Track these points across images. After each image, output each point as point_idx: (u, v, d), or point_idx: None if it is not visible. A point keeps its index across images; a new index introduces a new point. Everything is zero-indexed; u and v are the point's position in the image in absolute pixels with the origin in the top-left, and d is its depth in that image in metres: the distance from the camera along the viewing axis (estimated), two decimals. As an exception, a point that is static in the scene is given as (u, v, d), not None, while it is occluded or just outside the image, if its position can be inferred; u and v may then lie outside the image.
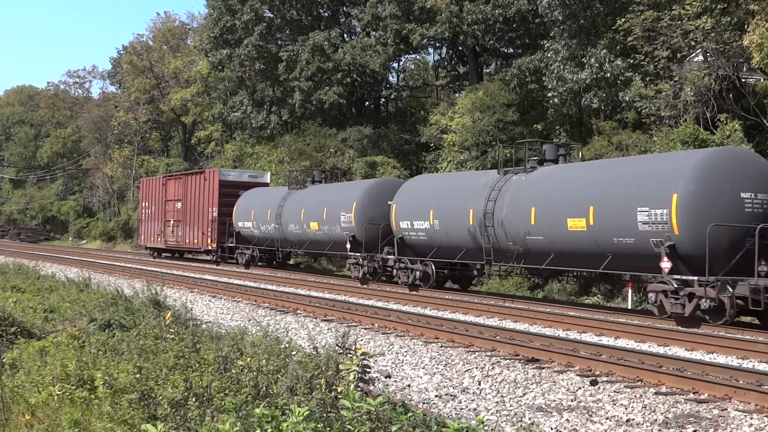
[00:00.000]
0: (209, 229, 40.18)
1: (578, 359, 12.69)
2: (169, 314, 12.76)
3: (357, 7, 49.41)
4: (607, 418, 9.67)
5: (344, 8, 50.97)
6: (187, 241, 42.56)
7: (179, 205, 43.50)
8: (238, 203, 38.96)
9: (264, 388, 8.58)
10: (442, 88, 49.99)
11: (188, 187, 42.87)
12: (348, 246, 29.22)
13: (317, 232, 31.74)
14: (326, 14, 51.52)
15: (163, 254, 48.29)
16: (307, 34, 46.49)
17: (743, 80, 27.31)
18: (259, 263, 38.02)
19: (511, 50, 40.86)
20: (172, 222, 44.29)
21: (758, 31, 22.80)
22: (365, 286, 27.80)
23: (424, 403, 10.41)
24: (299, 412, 6.50)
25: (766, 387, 10.54)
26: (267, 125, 49.87)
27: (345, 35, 50.37)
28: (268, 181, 41.93)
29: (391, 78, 50.54)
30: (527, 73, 35.28)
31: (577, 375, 11.86)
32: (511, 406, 10.35)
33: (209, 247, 40.43)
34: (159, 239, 46.32)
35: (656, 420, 9.57)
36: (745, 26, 24.46)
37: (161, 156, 75.42)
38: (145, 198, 49.20)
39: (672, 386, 11.04)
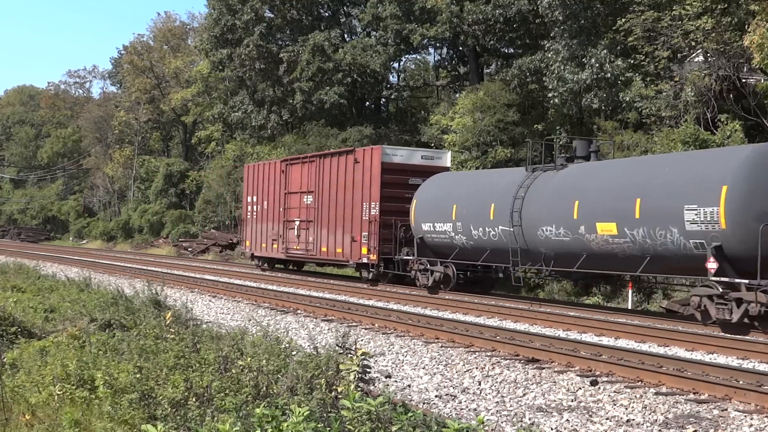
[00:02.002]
0: (364, 234, 27.86)
1: (578, 359, 12.69)
2: (169, 314, 12.77)
3: (357, 7, 49.45)
4: (607, 419, 9.68)
5: (344, 8, 51.00)
6: (324, 249, 30.33)
7: (308, 199, 31.63)
8: (419, 195, 26.35)
9: (264, 388, 8.59)
10: (443, 89, 49.99)
11: (325, 173, 30.67)
12: (712, 265, 16.77)
13: (615, 239, 18.96)
14: (326, 14, 51.55)
15: (276, 265, 36.71)
16: (307, 34, 46.50)
17: (744, 80, 27.33)
18: (457, 285, 25.16)
19: (512, 50, 40.86)
20: (297, 223, 32.12)
21: (759, 32, 22.81)
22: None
23: (424, 403, 10.41)
24: (299, 412, 6.50)
25: (766, 387, 10.53)
26: (267, 125, 49.87)
27: (345, 35, 50.40)
28: (449, 163, 29.62)
29: (391, 78, 50.60)
30: (528, 74, 35.30)
31: (578, 375, 11.86)
32: (511, 406, 10.35)
33: (364, 260, 27.99)
34: (274, 246, 34.07)
35: (656, 420, 9.57)
36: (746, 26, 24.47)
37: (162, 156, 75.42)
38: (252, 190, 36.47)
39: (672, 386, 11.04)
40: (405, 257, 26.54)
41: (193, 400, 8.22)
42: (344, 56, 44.20)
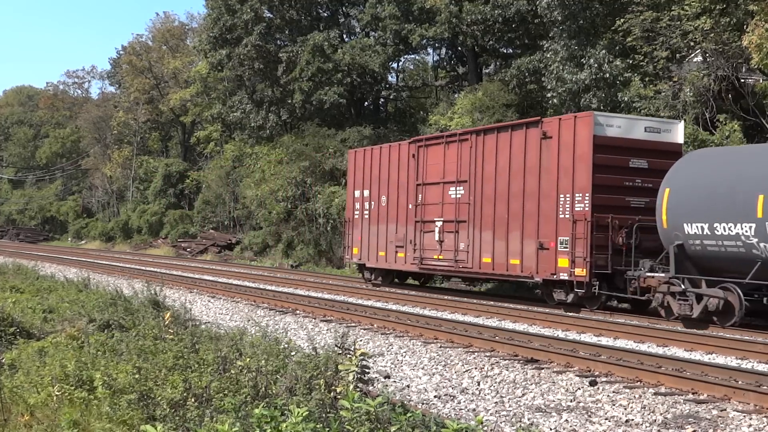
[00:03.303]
0: (563, 240, 20.35)
1: (577, 360, 12.69)
2: (168, 314, 12.77)
3: (356, 7, 49.45)
4: (606, 419, 9.68)
5: (343, 8, 50.99)
6: (486, 260, 22.88)
7: (458, 191, 24.06)
8: (675, 181, 18.45)
9: (263, 389, 8.58)
10: (442, 89, 49.99)
11: (487, 155, 23.08)
12: None
13: None
14: (325, 14, 51.52)
15: (397, 279, 28.54)
16: (306, 35, 46.49)
17: (742, 81, 27.34)
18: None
19: (511, 51, 40.88)
20: (438, 224, 24.63)
21: (757, 32, 22.81)
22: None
23: (423, 403, 10.41)
24: (298, 412, 6.51)
25: (765, 387, 10.54)
26: (266, 125, 49.85)
27: (344, 35, 50.38)
28: (681, 138, 21.70)
29: (390, 78, 50.56)
30: (526, 74, 35.30)
31: (577, 375, 11.86)
32: (510, 406, 10.35)
33: (562, 275, 20.35)
34: (399, 255, 26.38)
35: (655, 420, 9.57)
36: (744, 27, 24.47)
37: (161, 156, 75.42)
38: (362, 182, 28.83)
39: (671, 386, 11.04)
40: (646, 274, 18.50)
41: (192, 400, 8.21)
42: (343, 56, 44.19)
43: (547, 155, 21.09)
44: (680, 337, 15.42)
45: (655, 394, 10.73)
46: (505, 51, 41.60)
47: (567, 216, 20.28)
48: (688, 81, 26.36)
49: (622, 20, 28.54)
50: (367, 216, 28.37)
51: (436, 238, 24.74)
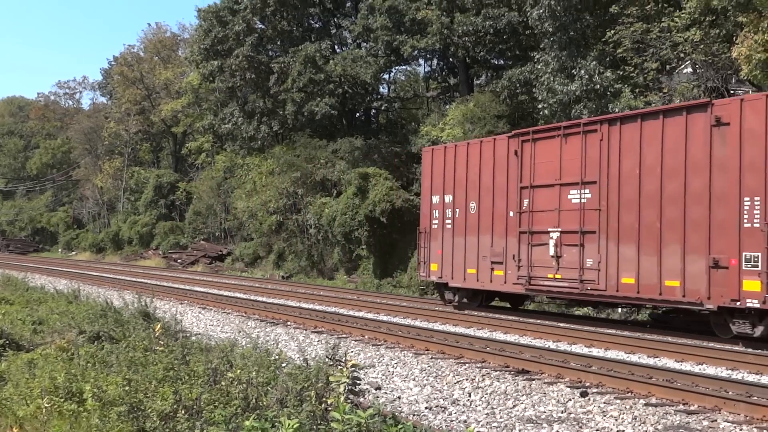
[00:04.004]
0: (750, 256, 16.16)
1: (568, 370, 12.69)
2: (158, 326, 12.74)
3: (348, 18, 49.55)
4: (597, 430, 9.67)
5: (335, 20, 51.08)
6: (628, 281, 18.50)
7: (583, 195, 19.85)
8: None
9: (254, 401, 8.57)
10: (433, 100, 50.08)
11: (625, 150, 18.90)
12: None
13: None
14: (317, 25, 51.60)
15: (479, 301, 24.44)
16: (298, 45, 46.55)
17: (732, 92, 27.47)
18: None
19: (502, 62, 40.97)
20: (554, 236, 20.46)
21: (746, 43, 22.93)
22: None
23: (414, 415, 10.39)
24: (289, 424, 6.50)
25: (755, 398, 10.56)
26: (257, 136, 49.84)
27: (336, 46, 50.45)
28: None
29: (381, 89, 50.65)
30: (517, 85, 35.39)
31: (568, 386, 11.86)
32: (501, 417, 10.34)
33: (750, 302, 16.03)
34: (496, 273, 22.42)
35: (646, 431, 9.57)
36: (734, 38, 24.60)
37: (152, 167, 75.34)
38: (443, 186, 24.73)
39: (662, 397, 11.05)
40: None
41: (183, 412, 8.19)
42: (335, 67, 44.23)
43: (721, 147, 16.79)
44: (671, 347, 15.43)
45: (646, 405, 10.73)
46: (496, 62, 41.71)
47: (756, 225, 15.99)
48: (678, 92, 26.47)
49: (612, 32, 28.67)
50: (449, 226, 24.21)
51: (551, 252, 20.43)
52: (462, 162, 24.00)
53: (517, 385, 12.09)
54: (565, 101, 29.73)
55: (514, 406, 10.94)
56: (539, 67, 31.51)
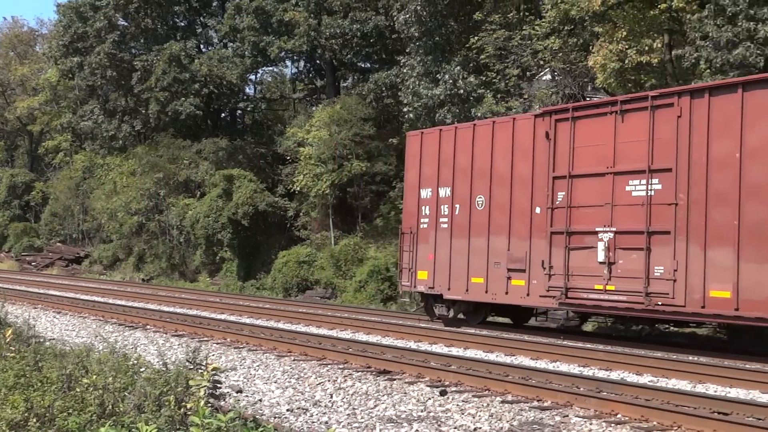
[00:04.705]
0: None
1: (429, 370, 12.91)
2: (9, 331, 12.24)
3: (214, 17, 48.93)
4: (455, 428, 9.88)
5: (201, 19, 50.36)
6: (726, 293, 14.82)
7: (651, 186, 16.24)
8: None
9: (110, 407, 8.35)
10: (300, 101, 50.01)
11: (713, 127, 15.37)
12: None
13: None
14: (183, 24, 50.77)
15: (489, 319, 21.39)
16: (162, 44, 45.64)
17: (588, 99, 28.54)
18: None
19: (368, 65, 41.32)
20: (605, 237, 16.83)
21: (602, 53, 23.87)
22: None
23: (275, 417, 10.36)
24: (147, 430, 6.38)
25: (604, 393, 11.00)
26: (119, 135, 48.58)
27: (202, 46, 49.75)
28: None
29: (248, 90, 50.26)
30: (384, 88, 35.74)
31: (428, 386, 12.06)
32: (362, 418, 10.43)
33: None
34: (514, 284, 18.70)
35: (502, 428, 9.84)
36: (590, 48, 25.57)
37: (5, 166, 72.31)
38: (435, 177, 20.99)
39: (518, 395, 11.37)
40: None
41: (34, 420, 7.91)
42: (200, 67, 43.60)
43: None
44: (527, 346, 15.91)
45: (502, 402, 11.03)
46: (363, 65, 42.02)
47: None
48: (538, 98, 27.32)
49: (475, 38, 29.35)
50: (445, 225, 20.39)
51: (600, 258, 16.81)
52: (465, 147, 20.02)
53: (379, 385, 12.22)
54: (429, 105, 30.20)
55: (375, 406, 11.05)
56: (405, 71, 31.91)
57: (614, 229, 16.67)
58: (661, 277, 15.80)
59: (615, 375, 13.42)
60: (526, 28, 28.46)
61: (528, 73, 29.38)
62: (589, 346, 16.20)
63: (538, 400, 11.07)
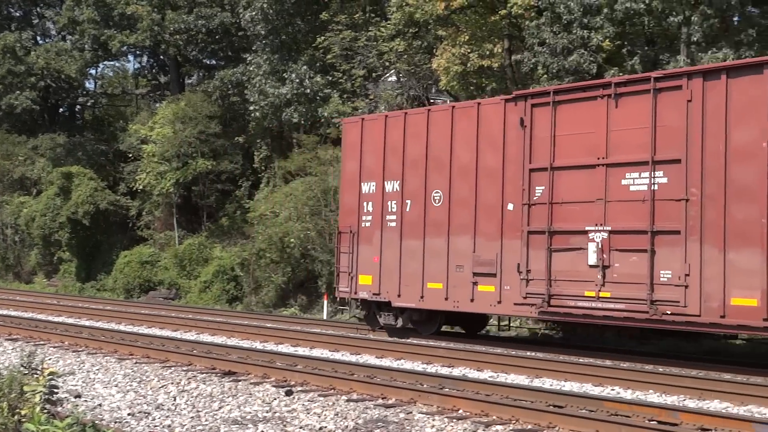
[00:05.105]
0: None
1: (274, 370, 12.87)
2: None
3: (52, 8, 47.04)
4: (301, 428, 9.89)
5: (38, 9, 48.31)
6: (752, 301, 13.15)
7: (654, 179, 14.44)
8: None
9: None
10: (143, 97, 48.79)
11: (731, 112, 13.68)
12: None
13: None
14: (18, 14, 48.56)
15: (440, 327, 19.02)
16: (-6, 34, 43.56)
17: (432, 101, 29.15)
18: None
19: (214, 62, 40.77)
20: (598, 237, 14.99)
21: (445, 56, 24.45)
22: None
23: (116, 422, 10.08)
24: (-26, 439, 6.10)
25: (446, 389, 11.27)
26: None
27: (39, 38, 47.80)
28: None
29: (88, 84, 48.60)
30: (230, 86, 35.35)
31: (273, 386, 12.02)
32: (206, 420, 10.29)
33: None
34: (484, 288, 16.57)
35: (347, 426, 9.92)
36: (434, 50, 26.13)
37: None
38: (380, 169, 18.77)
39: (363, 393, 11.48)
40: None
41: None
42: (37, 59, 41.81)
43: None
44: (372, 345, 16.11)
45: (347, 400, 11.11)
46: (208, 62, 41.42)
47: None
48: (383, 99, 27.70)
49: (322, 38, 29.47)
50: (393, 224, 18.23)
51: (591, 261, 14.94)
52: (418, 136, 17.92)
53: (224, 386, 12.09)
54: (276, 104, 30.13)
55: (220, 408, 10.93)
56: (251, 69, 31.71)
57: (608, 228, 14.81)
58: (668, 282, 14.02)
59: (457, 371, 13.77)
60: (372, 30, 28.83)
61: (374, 74, 29.75)
62: (432, 343, 16.54)
63: (382, 398, 11.22)
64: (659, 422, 9.50)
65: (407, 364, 14.39)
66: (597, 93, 15.23)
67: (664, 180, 14.22)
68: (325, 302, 23.42)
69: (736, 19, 21.73)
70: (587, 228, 15.03)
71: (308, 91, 29.49)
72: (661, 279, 14.08)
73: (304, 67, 29.84)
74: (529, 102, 16.11)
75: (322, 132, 29.76)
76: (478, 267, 16.55)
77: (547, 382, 12.81)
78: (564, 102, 15.68)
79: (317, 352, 15.75)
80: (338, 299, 21.49)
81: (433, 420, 10.08)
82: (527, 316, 16.51)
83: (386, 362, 14.59)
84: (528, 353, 15.49)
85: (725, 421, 9.42)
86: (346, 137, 19.70)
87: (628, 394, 11.91)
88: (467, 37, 24.38)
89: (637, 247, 14.43)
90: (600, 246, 14.82)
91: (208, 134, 34.23)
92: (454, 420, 10.01)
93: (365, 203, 18.81)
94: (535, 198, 15.84)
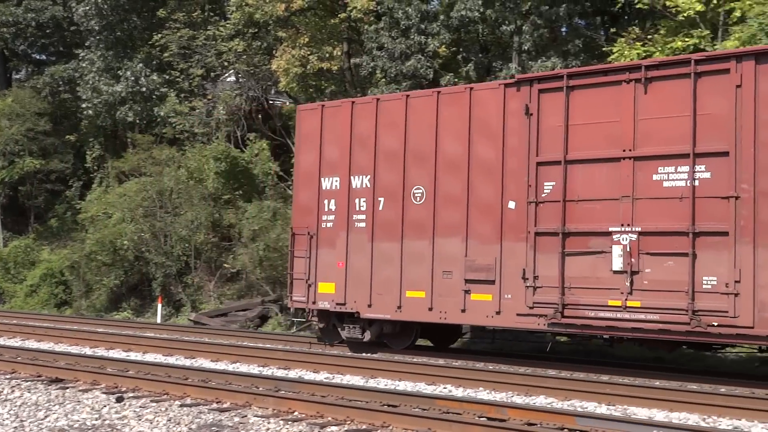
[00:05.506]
0: None
1: (105, 376, 12.47)
2: None
3: None
4: (131, 435, 9.64)
5: None
6: None
7: (694, 174, 12.69)
8: None
9: None
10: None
11: None
12: None
13: None
14: None
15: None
16: None
17: (271, 102, 29.06)
18: None
19: (44, 57, 39.19)
20: (623, 239, 13.23)
21: (285, 57, 24.41)
22: None
23: (-71, 434, 9.53)
24: None
25: (282, 392, 11.23)
26: None
27: None
28: None
29: None
30: (61, 82, 34.08)
31: (103, 393, 11.65)
32: (30, 430, 9.86)
33: None
34: (478, 297, 14.53)
35: (180, 432, 9.74)
36: (274, 52, 26.04)
37: None
38: (346, 163, 16.37)
39: (197, 397, 11.29)
40: None
41: None
42: None
43: None
44: (207, 348, 15.88)
45: (181, 405, 10.90)
46: (38, 57, 39.77)
47: None
48: (222, 99, 27.38)
49: (159, 35, 28.84)
50: (362, 224, 16.01)
51: (617, 266, 13.22)
52: (393, 125, 15.80)
53: (50, 394, 11.62)
54: (110, 102, 29.31)
55: (46, 417, 10.50)
56: (84, 65, 30.72)
57: (638, 228, 13.08)
58: (713, 290, 12.39)
59: (293, 373, 13.76)
60: (211, 29, 28.46)
61: (212, 73, 29.36)
62: (269, 346, 16.47)
63: (217, 402, 11.07)
64: (489, 418, 9.80)
65: (243, 367, 14.27)
66: (623, 77, 13.45)
67: (707, 175, 12.59)
68: (159, 305, 22.94)
69: (564, 30, 22.72)
70: (611, 229, 13.29)
71: (144, 89, 28.81)
72: (704, 286, 12.46)
73: (140, 64, 29.12)
74: (536, 87, 14.23)
75: (158, 131, 29.11)
76: (472, 273, 14.59)
77: (382, 383, 12.98)
78: (580, 87, 13.85)
79: (150, 357, 15.39)
80: (291, 310, 19.28)
81: (269, 423, 10.02)
82: (534, 329, 14.38)
83: (222, 365, 14.41)
84: (364, 354, 15.65)
85: (550, 415, 9.81)
86: (301, 126, 17.25)
87: (459, 392, 12.23)
88: (307, 39, 24.43)
89: (673, 251, 12.75)
90: (627, 249, 13.12)
91: (37, 132, 32.94)
92: (290, 422, 9.98)
93: (326, 201, 16.52)
94: (543, 195, 13.99)
